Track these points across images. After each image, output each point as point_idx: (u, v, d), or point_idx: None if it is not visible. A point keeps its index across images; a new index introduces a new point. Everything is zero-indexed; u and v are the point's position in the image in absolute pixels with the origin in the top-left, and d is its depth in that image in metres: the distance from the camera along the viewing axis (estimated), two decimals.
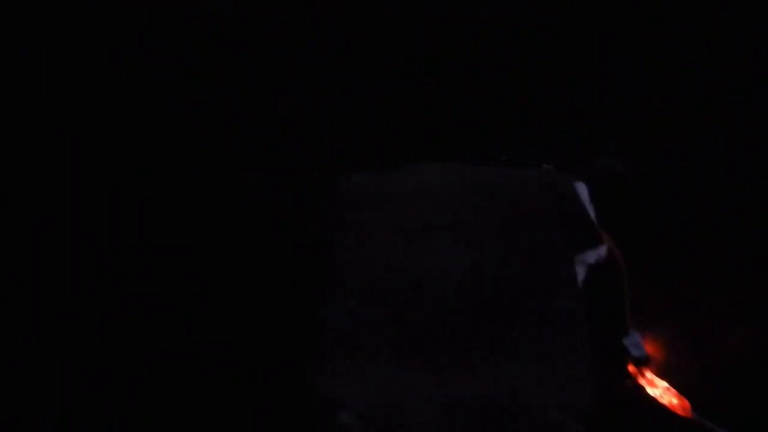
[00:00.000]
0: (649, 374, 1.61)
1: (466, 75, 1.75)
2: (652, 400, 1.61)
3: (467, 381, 1.10)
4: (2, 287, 1.87)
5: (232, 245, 1.83)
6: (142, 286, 1.82)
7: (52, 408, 2.00)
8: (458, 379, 1.10)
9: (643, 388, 1.61)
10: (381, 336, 1.17)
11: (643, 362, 1.59)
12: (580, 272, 1.49)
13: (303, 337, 1.23)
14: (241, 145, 1.93)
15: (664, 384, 1.61)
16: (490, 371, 1.11)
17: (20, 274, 1.86)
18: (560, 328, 1.19)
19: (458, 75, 1.75)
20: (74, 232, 1.85)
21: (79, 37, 2.01)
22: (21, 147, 1.91)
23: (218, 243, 1.83)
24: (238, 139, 1.95)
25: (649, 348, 1.62)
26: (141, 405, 1.93)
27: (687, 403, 1.58)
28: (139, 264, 1.84)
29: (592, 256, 1.50)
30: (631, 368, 1.61)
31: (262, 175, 1.89)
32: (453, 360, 1.12)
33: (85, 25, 2.03)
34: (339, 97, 1.88)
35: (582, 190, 1.52)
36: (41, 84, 2.00)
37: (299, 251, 1.59)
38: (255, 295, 1.85)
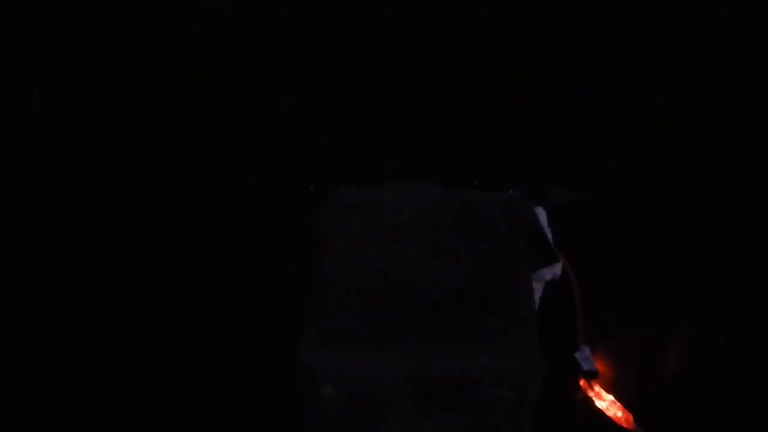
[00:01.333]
0: (597, 388, 1.74)
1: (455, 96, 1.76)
2: (599, 412, 1.74)
3: (433, 361, 1.28)
4: (2, 287, 1.88)
5: (231, 245, 1.84)
6: (142, 286, 1.83)
7: (51, 408, 2.01)
8: (425, 360, 1.28)
9: (591, 401, 1.74)
10: (361, 323, 1.33)
11: (592, 376, 1.72)
12: (537, 288, 1.64)
13: (297, 327, 1.35)
14: (241, 145, 1.93)
15: (611, 397, 1.74)
16: (452, 354, 1.29)
17: (20, 274, 1.86)
18: (513, 324, 1.34)
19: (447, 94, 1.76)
20: (74, 232, 1.86)
21: (79, 37, 2.01)
22: (21, 147, 1.91)
23: (218, 243, 1.83)
24: (238, 139, 1.95)
25: (599, 363, 1.74)
26: (141, 405, 1.94)
27: (630, 416, 1.72)
28: (139, 264, 1.84)
29: (548, 273, 1.65)
30: (581, 381, 1.74)
31: (262, 175, 1.89)
32: (421, 345, 1.29)
33: (85, 25, 2.03)
34: (339, 98, 1.88)
35: (542, 214, 1.66)
36: (41, 84, 2.00)
37: (297, 254, 1.70)
38: (254, 294, 1.86)
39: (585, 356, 1.72)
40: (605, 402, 1.75)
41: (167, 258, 1.83)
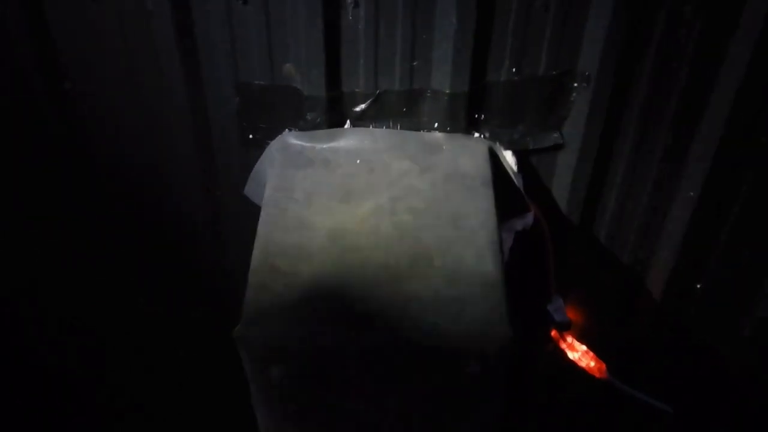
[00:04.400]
0: (569, 338, 1.72)
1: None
2: (572, 363, 1.73)
3: (391, 335, 1.13)
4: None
5: (166, 200, 1.71)
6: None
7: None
8: (382, 333, 1.13)
9: (564, 351, 1.72)
10: (309, 293, 1.17)
11: (564, 327, 1.67)
12: (507, 239, 1.48)
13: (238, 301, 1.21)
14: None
15: (583, 348, 1.74)
16: (410, 324, 1.13)
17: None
18: (481, 290, 1.18)
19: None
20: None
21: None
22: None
23: (151, 197, 1.71)
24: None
25: (571, 314, 1.69)
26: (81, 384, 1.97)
27: (603, 366, 1.72)
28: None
29: (519, 223, 1.50)
30: (553, 332, 1.70)
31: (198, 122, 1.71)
32: (377, 316, 1.14)
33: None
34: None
35: (510, 158, 1.50)
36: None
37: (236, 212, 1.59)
38: (189, 260, 1.79)
39: (557, 307, 1.66)
40: (578, 352, 1.74)
41: (105, 222, 1.73)
